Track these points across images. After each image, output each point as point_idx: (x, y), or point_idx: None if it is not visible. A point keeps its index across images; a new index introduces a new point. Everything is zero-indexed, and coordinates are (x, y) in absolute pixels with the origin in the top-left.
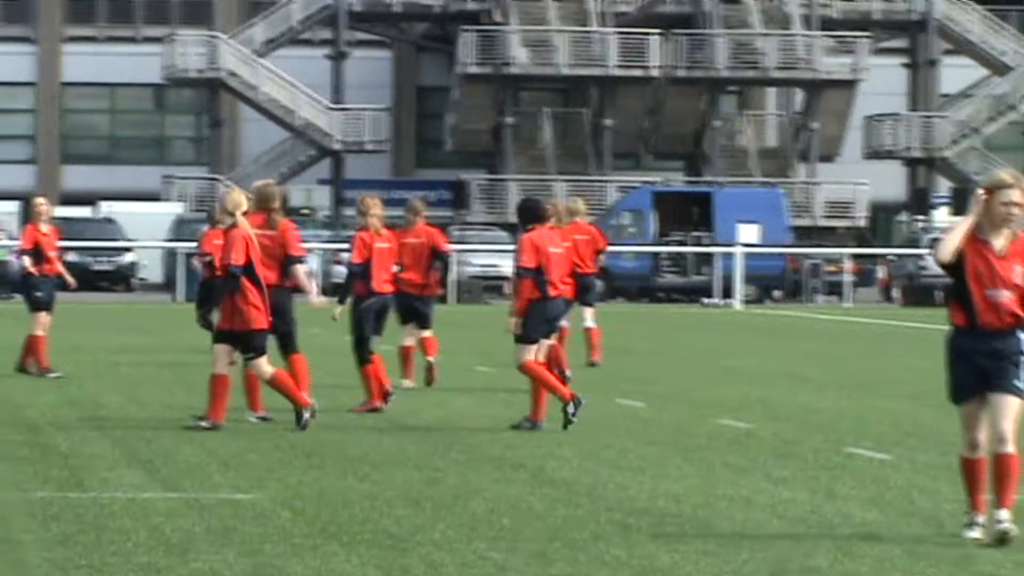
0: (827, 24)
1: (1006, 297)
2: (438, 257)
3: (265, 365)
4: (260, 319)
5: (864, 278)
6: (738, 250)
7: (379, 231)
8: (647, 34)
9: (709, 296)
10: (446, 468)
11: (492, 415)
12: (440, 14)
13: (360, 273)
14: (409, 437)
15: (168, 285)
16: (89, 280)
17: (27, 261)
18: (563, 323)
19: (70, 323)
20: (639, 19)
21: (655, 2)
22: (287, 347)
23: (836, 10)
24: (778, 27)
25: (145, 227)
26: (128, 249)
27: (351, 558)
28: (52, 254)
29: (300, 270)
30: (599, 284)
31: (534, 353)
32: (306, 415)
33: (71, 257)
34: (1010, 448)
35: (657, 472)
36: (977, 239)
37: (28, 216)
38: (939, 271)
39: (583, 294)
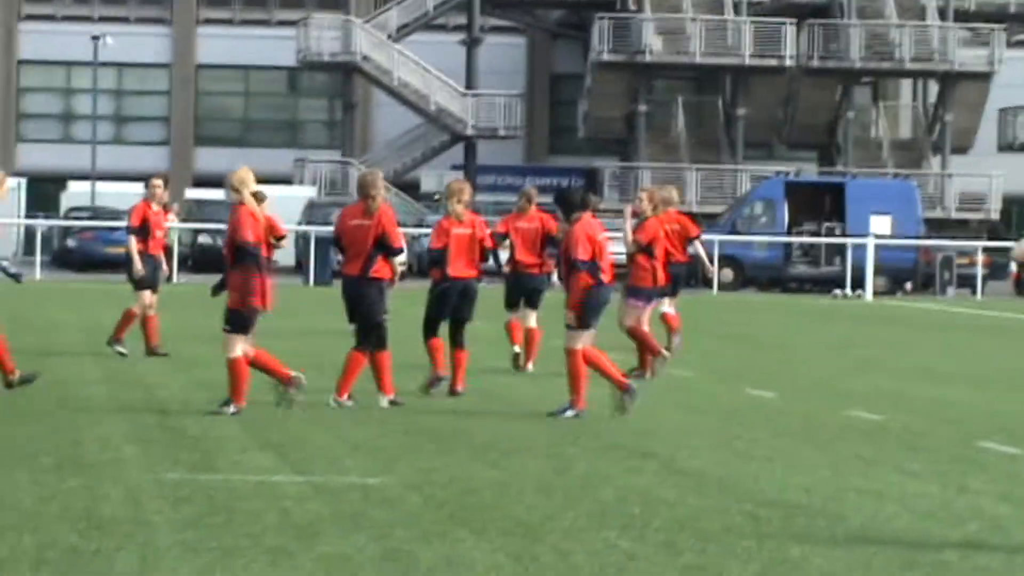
0: (962, 16)
1: None
2: (551, 241)
3: (236, 344)
4: (256, 298)
5: (996, 271)
6: (870, 241)
7: (460, 217)
8: (781, 23)
9: (840, 287)
10: (576, 456)
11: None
12: (574, 1)
13: (437, 259)
14: (538, 424)
15: (299, 268)
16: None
17: (132, 239)
18: (669, 309)
19: (201, 305)
20: (774, 8)
21: None
22: (369, 341)
23: (971, 2)
24: (913, 18)
25: (277, 210)
26: None
27: (481, 545)
28: (159, 234)
29: (396, 262)
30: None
31: (585, 340)
32: (291, 390)
33: (203, 239)
34: None
35: (787, 463)
36: None
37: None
38: None
39: (671, 284)
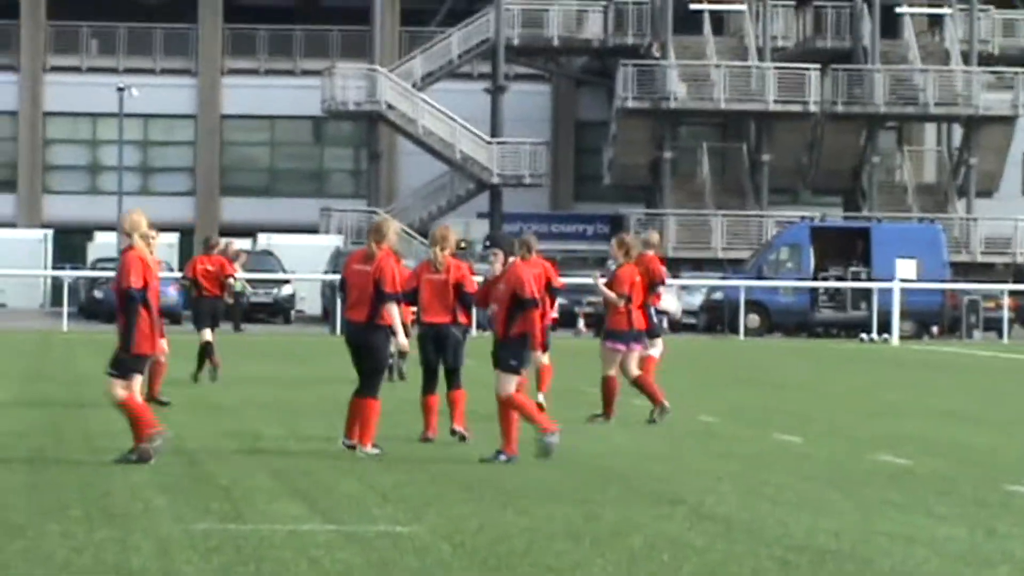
0: (986, 60)
1: None
2: (551, 290)
3: (120, 388)
4: (144, 344)
5: (1023, 315)
6: (896, 285)
7: (438, 265)
8: (806, 69)
9: (867, 331)
10: (605, 503)
11: (649, 450)
12: (599, 48)
13: (407, 300)
14: (567, 471)
15: (326, 317)
16: (248, 313)
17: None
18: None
19: (230, 355)
20: (797, 54)
21: (814, 37)
22: (365, 389)
23: (995, 46)
24: (937, 63)
25: (303, 259)
26: (287, 281)
27: None
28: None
29: (390, 307)
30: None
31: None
32: (155, 443)
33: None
34: None
35: (815, 508)
36: None
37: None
38: None
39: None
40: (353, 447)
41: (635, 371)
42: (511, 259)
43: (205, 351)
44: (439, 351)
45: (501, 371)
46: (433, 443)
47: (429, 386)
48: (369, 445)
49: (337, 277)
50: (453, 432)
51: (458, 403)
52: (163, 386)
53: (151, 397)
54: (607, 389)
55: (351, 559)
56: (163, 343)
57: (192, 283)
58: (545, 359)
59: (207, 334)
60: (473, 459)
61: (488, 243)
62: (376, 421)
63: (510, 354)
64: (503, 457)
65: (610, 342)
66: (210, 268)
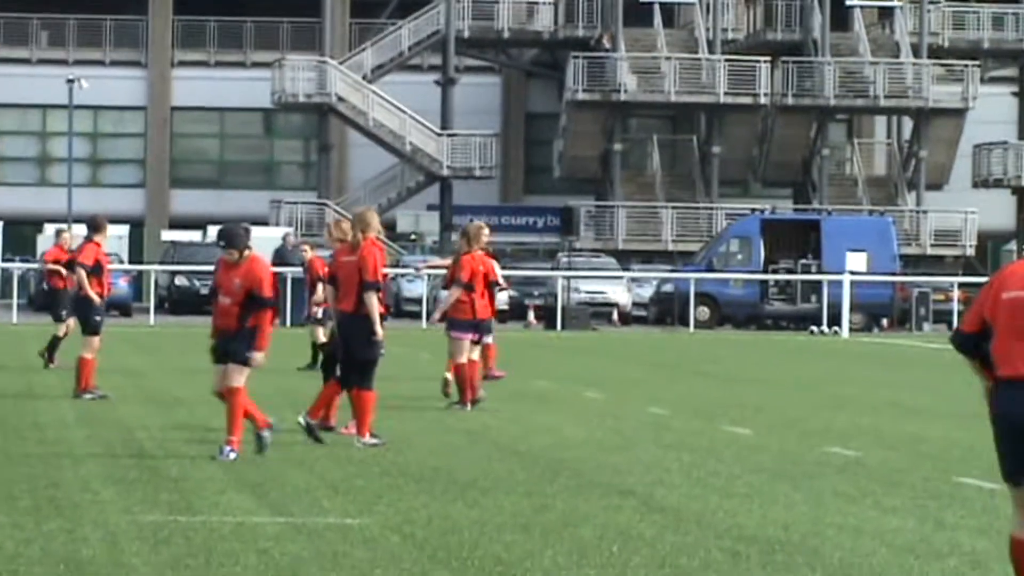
0: (936, 53)
1: None
2: (492, 284)
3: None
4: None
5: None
6: (846, 278)
7: (356, 246)
8: (756, 62)
9: (817, 324)
10: (555, 494)
11: (600, 441)
12: (549, 40)
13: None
14: (518, 463)
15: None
16: (197, 304)
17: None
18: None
19: (179, 347)
20: (748, 47)
21: (764, 29)
22: (359, 380)
23: (945, 39)
24: (887, 55)
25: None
26: None
27: None
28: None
29: (370, 297)
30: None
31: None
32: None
33: (179, 281)
34: None
35: (765, 500)
36: None
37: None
38: None
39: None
40: (310, 428)
41: (463, 359)
42: (246, 253)
43: None
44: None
45: (233, 363)
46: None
47: (327, 369)
48: (367, 435)
49: (287, 270)
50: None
51: (366, 406)
52: (112, 378)
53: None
54: (460, 377)
55: (300, 551)
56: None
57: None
58: (489, 339)
59: None
60: (424, 450)
61: (221, 240)
62: (372, 411)
63: (244, 346)
64: (232, 455)
65: (455, 331)
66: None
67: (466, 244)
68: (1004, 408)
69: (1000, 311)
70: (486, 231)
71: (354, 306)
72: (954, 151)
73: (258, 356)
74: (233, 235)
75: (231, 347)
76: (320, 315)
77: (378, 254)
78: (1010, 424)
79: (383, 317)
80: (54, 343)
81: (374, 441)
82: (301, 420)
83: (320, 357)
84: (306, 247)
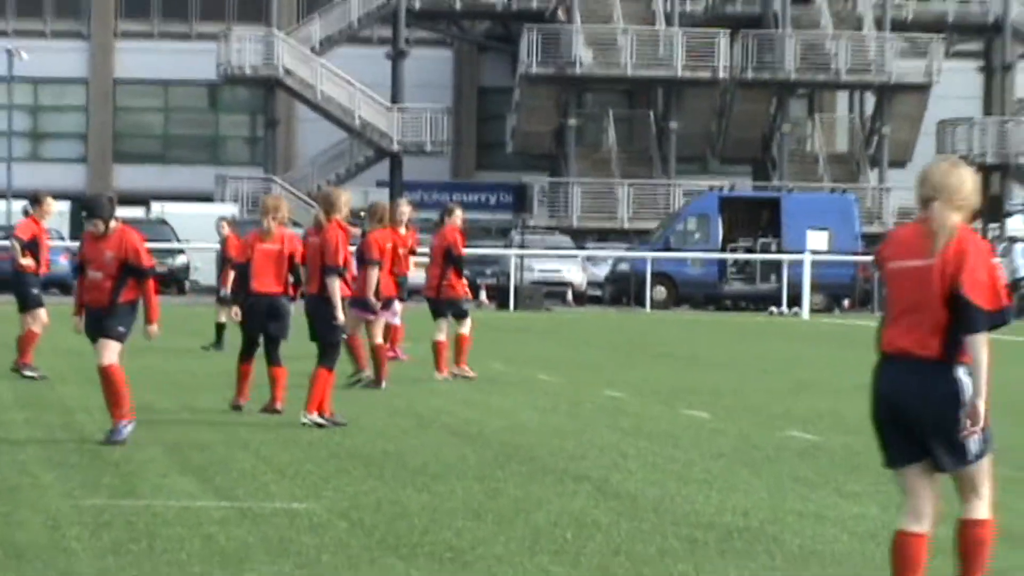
0: (900, 26)
1: None
2: (453, 258)
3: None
4: None
5: None
6: (807, 257)
7: (268, 234)
8: (715, 34)
9: (776, 304)
10: (508, 480)
11: (555, 426)
12: (502, 12)
13: (241, 272)
14: (470, 447)
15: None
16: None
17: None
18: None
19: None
20: (706, 19)
21: (723, 2)
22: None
23: (909, 11)
24: (849, 28)
25: (198, 228)
26: (181, 251)
27: (410, 571)
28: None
29: (331, 280)
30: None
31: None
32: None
33: None
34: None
35: (724, 485)
36: None
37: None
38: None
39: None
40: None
41: (378, 339)
42: (113, 224)
43: None
44: (268, 322)
45: (108, 339)
46: (243, 411)
47: (248, 354)
48: (315, 413)
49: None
50: (275, 411)
51: (280, 380)
52: (52, 358)
53: (19, 366)
54: (353, 347)
55: (246, 536)
56: (43, 313)
57: None
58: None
59: None
60: (374, 434)
61: (84, 211)
62: (326, 391)
63: (118, 322)
64: (125, 426)
65: (356, 310)
66: None
67: (375, 222)
68: (883, 388)
69: (886, 281)
70: (405, 208)
71: (318, 289)
72: (918, 127)
73: (154, 328)
74: (96, 204)
75: (105, 323)
76: (225, 295)
77: (342, 236)
78: (888, 405)
79: (389, 301)
80: None
81: (320, 420)
82: (306, 420)
83: (222, 337)
84: (224, 224)
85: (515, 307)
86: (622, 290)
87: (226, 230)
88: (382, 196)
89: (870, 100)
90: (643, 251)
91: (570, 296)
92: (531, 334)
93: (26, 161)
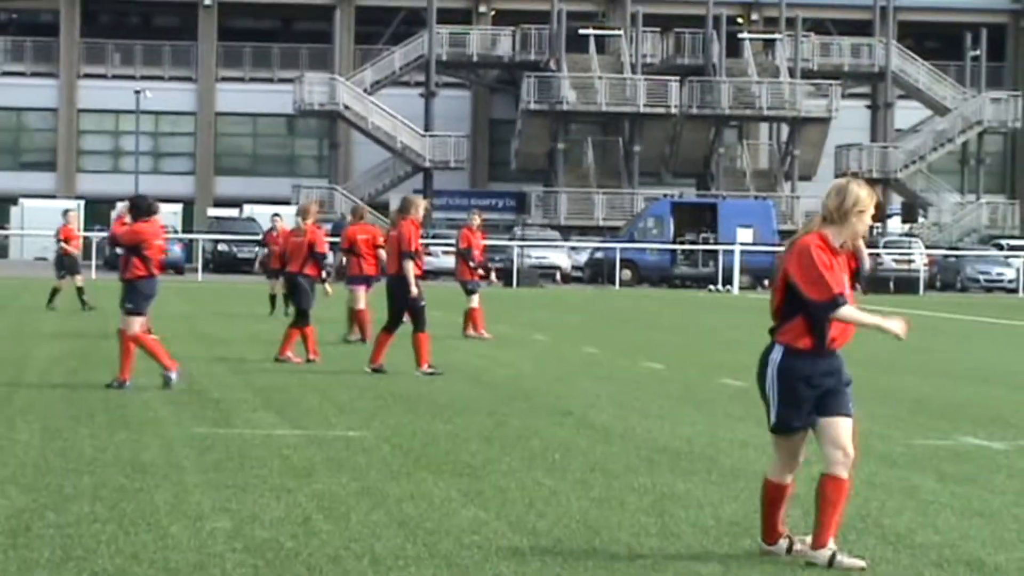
0: (807, 74)
1: None
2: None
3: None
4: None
5: None
6: (737, 248)
7: (301, 230)
8: (668, 80)
9: (714, 283)
10: (511, 414)
11: (546, 373)
12: (508, 63)
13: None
14: (483, 390)
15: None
16: (235, 265)
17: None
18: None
19: (221, 297)
20: (662, 68)
21: (675, 55)
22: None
23: (814, 63)
24: (769, 76)
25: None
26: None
27: (438, 483)
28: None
29: (407, 264)
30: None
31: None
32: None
33: (221, 247)
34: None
35: (674, 419)
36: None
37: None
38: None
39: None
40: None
41: (360, 306)
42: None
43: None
44: (294, 294)
45: (124, 313)
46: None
47: (298, 322)
48: (425, 366)
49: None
50: (278, 360)
51: (302, 336)
52: (168, 322)
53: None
54: (360, 320)
55: (313, 457)
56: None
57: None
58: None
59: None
60: (410, 379)
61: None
62: (425, 349)
63: (127, 298)
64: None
65: (351, 285)
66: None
67: (353, 217)
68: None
69: None
70: (366, 211)
71: (397, 269)
72: (820, 151)
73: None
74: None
75: (122, 297)
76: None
77: (414, 230)
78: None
79: (323, 279)
80: (55, 293)
81: (432, 371)
82: (418, 373)
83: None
84: (277, 219)
85: (517, 285)
86: (598, 272)
87: (280, 223)
88: (311, 199)
89: (785, 130)
90: (614, 243)
91: (558, 277)
92: (528, 305)
93: (149, 174)
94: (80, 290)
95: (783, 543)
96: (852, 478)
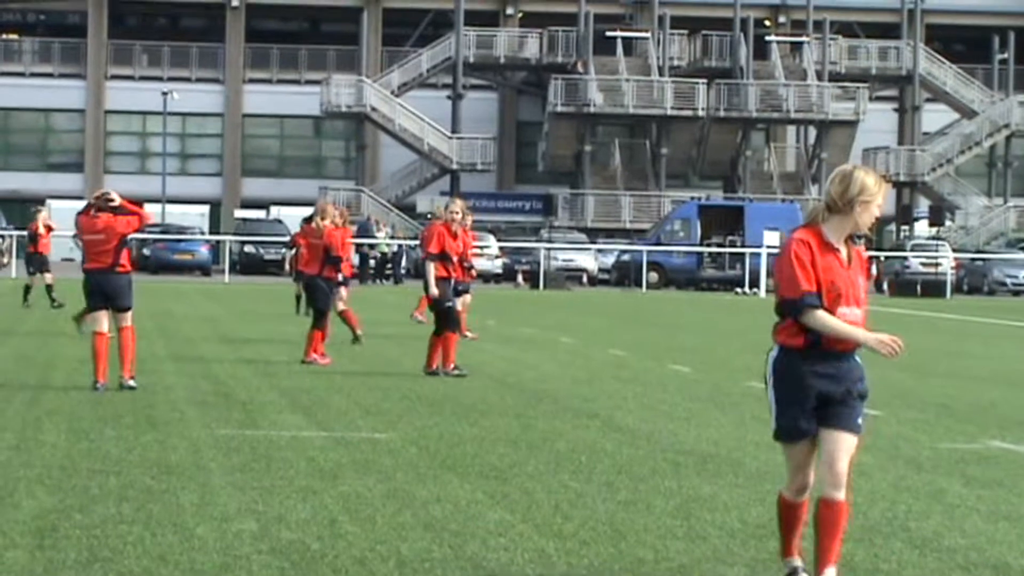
0: (835, 77)
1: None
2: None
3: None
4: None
5: None
6: (763, 250)
7: (320, 232)
8: (695, 83)
9: (740, 286)
10: (537, 416)
11: (572, 375)
12: (535, 65)
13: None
14: (509, 392)
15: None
16: (262, 267)
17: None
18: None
19: (248, 299)
20: (689, 71)
21: (702, 58)
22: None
23: (842, 66)
24: (796, 79)
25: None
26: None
27: (464, 486)
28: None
29: (426, 266)
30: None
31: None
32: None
33: (248, 248)
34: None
35: (700, 422)
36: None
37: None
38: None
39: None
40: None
41: (341, 306)
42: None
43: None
44: (308, 296)
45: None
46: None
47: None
48: (451, 367)
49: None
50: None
51: (318, 336)
52: (195, 324)
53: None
54: (348, 320)
55: (340, 459)
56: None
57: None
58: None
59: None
60: (436, 381)
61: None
62: (452, 349)
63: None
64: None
65: (343, 287)
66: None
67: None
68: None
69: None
70: (344, 214)
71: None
72: (848, 153)
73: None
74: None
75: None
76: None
77: (438, 232)
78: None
79: (346, 280)
80: (27, 290)
81: (460, 372)
82: (447, 374)
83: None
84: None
85: (544, 287)
86: (624, 275)
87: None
88: (328, 201)
89: (812, 132)
90: (640, 245)
91: (585, 279)
92: (555, 307)
93: (176, 175)
94: (49, 287)
95: (797, 562)
96: (851, 501)
